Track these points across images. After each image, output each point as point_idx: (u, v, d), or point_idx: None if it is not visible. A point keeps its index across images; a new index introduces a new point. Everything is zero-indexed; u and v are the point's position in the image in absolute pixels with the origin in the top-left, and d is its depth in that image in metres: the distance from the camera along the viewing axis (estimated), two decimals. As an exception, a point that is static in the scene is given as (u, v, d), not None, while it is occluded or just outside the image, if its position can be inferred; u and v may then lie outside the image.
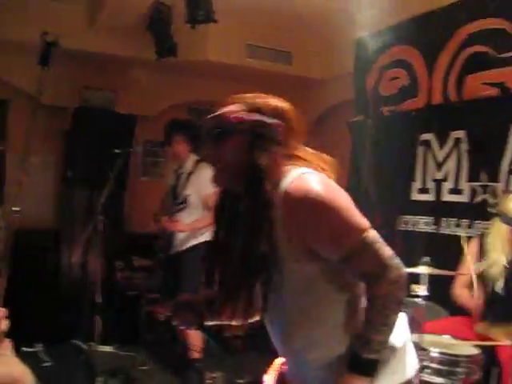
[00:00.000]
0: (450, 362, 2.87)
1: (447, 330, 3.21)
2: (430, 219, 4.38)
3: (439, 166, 4.35)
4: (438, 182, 4.34)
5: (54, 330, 4.53)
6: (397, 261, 1.43)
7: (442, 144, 4.32)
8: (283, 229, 1.41)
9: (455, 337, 3.15)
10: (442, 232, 4.25)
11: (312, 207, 1.36)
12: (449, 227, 4.20)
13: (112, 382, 4.07)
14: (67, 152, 5.51)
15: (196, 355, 4.11)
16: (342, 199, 1.42)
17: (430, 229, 4.37)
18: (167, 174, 5.35)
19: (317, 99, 6.25)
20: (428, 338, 3.00)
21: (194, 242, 4.15)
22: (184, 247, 4.19)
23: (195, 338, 4.12)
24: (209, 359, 4.30)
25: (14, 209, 4.32)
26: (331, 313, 1.47)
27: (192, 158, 4.28)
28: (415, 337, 2.91)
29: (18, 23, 4.91)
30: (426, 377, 2.87)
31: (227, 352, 5.06)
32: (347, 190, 1.46)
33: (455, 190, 4.19)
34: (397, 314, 1.43)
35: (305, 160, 1.51)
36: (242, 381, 4.37)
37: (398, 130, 4.65)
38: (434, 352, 2.88)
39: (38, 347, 4.46)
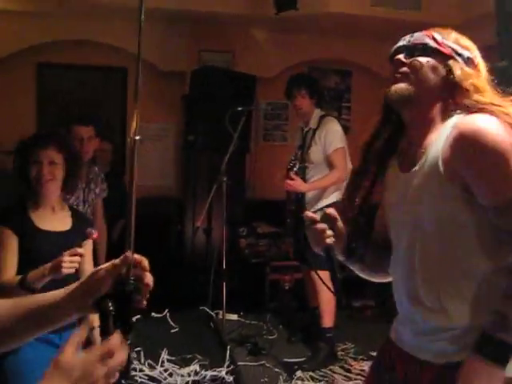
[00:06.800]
0: None
1: None
2: None
3: None
4: None
5: (181, 297, 4.48)
6: None
7: None
8: (442, 163, 1.38)
9: None
10: None
11: (483, 148, 1.32)
12: None
13: (240, 351, 3.95)
14: (187, 116, 5.41)
15: (327, 324, 3.80)
16: None
17: None
18: (293, 136, 5.10)
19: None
20: None
21: (324, 202, 3.84)
22: (313, 209, 3.87)
23: (328, 305, 3.77)
24: (338, 330, 4.01)
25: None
26: (469, 275, 1.37)
27: (317, 114, 4.00)
28: None
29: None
30: None
31: (357, 322, 4.80)
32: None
33: None
34: None
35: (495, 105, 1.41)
36: (375, 353, 4.11)
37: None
38: None
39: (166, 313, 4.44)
